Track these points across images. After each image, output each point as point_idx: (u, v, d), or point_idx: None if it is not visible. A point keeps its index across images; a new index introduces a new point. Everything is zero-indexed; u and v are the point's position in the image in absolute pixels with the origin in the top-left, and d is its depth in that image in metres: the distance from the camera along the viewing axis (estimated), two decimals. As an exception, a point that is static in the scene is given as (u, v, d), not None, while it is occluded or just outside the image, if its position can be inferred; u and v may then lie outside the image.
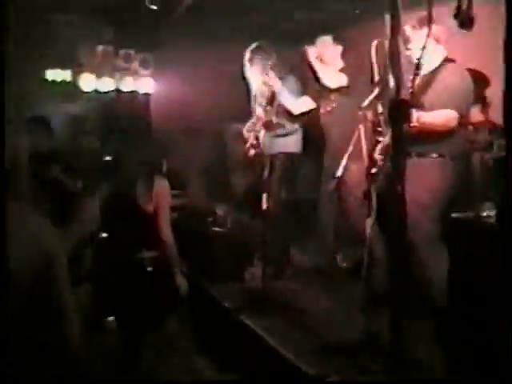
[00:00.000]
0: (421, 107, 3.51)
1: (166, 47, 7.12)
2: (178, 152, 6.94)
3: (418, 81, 3.68)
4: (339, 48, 4.89)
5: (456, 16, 2.34)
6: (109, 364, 3.48)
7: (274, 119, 5.08)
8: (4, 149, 1.85)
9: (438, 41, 3.81)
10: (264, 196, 4.58)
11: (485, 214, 2.34)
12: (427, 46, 3.59)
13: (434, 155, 3.74)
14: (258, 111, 5.34)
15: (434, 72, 3.81)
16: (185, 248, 4.12)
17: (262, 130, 5.21)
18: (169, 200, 3.77)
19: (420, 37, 3.69)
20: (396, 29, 2.51)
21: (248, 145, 5.20)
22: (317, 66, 4.60)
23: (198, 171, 7.34)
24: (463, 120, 3.72)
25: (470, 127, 4.20)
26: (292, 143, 5.26)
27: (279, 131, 5.15)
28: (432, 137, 3.66)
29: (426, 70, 3.79)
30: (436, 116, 3.64)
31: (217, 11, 5.15)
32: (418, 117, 3.49)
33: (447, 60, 3.86)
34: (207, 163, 7.48)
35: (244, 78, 5.33)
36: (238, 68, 5.39)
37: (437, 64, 3.85)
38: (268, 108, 5.19)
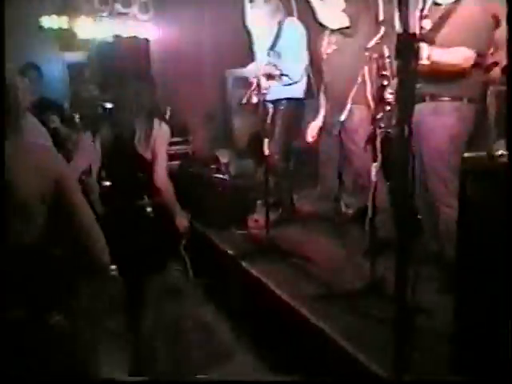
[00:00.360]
0: (431, 43, 3.33)
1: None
2: (179, 98, 6.84)
3: (435, 14, 3.51)
4: None
5: None
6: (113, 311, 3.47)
7: (276, 67, 4.93)
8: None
9: None
10: (265, 142, 4.49)
11: (499, 153, 2.24)
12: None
13: (450, 98, 3.53)
14: (261, 56, 5.20)
15: (455, 3, 3.52)
16: (187, 195, 4.07)
17: (265, 77, 5.08)
18: (166, 145, 3.61)
19: None
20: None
21: (250, 91, 5.07)
22: (316, 4, 4.41)
23: (201, 118, 7.23)
24: (480, 59, 3.48)
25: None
26: (296, 89, 5.13)
27: (283, 81, 5.02)
28: (447, 77, 3.46)
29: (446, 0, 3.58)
30: (451, 54, 3.41)
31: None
32: (430, 54, 3.30)
33: None
34: (210, 109, 7.37)
35: (244, 24, 5.17)
36: (240, 11, 5.23)
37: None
38: (271, 54, 5.04)
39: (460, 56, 3.43)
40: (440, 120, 3.53)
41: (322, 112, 4.75)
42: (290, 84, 5.05)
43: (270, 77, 4.84)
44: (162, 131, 3.58)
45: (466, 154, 2.50)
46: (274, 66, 4.91)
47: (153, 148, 3.52)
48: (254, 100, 4.84)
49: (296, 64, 5.04)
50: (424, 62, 3.25)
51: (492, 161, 2.29)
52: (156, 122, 3.57)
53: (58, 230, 1.90)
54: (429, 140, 3.54)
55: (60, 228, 1.92)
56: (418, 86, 3.33)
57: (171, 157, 6.23)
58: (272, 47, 5.06)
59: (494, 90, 3.40)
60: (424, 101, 3.54)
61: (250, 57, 5.34)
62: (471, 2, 3.45)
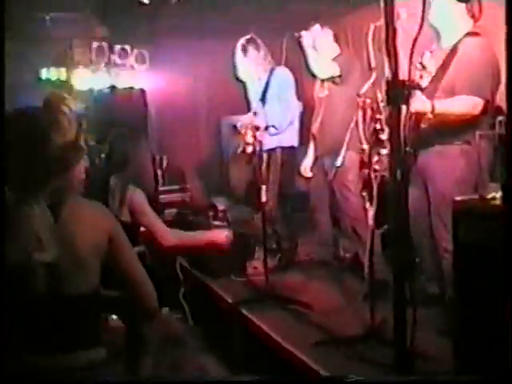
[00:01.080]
0: (434, 91, 3.38)
1: (161, 41, 7.08)
2: (175, 147, 6.93)
3: (435, 61, 3.57)
4: (331, 34, 4.81)
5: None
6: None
7: (267, 117, 5.03)
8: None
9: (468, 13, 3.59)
10: (263, 189, 4.54)
11: (490, 195, 2.28)
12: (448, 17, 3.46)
13: (459, 142, 3.53)
14: (254, 106, 5.31)
15: (454, 48, 3.57)
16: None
17: (253, 129, 5.17)
18: (147, 204, 3.33)
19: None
20: (390, 11, 2.47)
21: (244, 142, 5.17)
22: (309, 53, 4.53)
23: (197, 166, 7.31)
24: (489, 105, 3.45)
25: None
26: (288, 137, 5.24)
27: (272, 131, 5.12)
28: (454, 124, 3.47)
29: (445, 45, 3.62)
30: (456, 103, 3.43)
31: (210, 3, 5.10)
32: (433, 107, 3.32)
33: (470, 34, 3.57)
34: (206, 157, 7.46)
35: (235, 74, 5.29)
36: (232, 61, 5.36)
37: (457, 39, 3.61)
38: (260, 104, 5.14)
39: (466, 104, 3.43)
40: (447, 163, 3.56)
41: (312, 155, 4.83)
42: (278, 134, 5.15)
43: (257, 128, 4.94)
44: (136, 193, 3.36)
45: (457, 198, 2.53)
46: (261, 116, 5.00)
47: (134, 211, 3.31)
48: (249, 150, 4.93)
49: (283, 113, 5.15)
50: (428, 115, 3.30)
51: (484, 203, 2.33)
52: (129, 186, 3.36)
53: (112, 283, 2.05)
54: (435, 183, 3.58)
55: (114, 281, 2.06)
56: (424, 126, 3.42)
57: (168, 204, 6.36)
58: (262, 97, 5.16)
59: (484, 134, 3.43)
60: (433, 145, 3.58)
61: (244, 105, 5.45)
62: (470, 45, 3.50)
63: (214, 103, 7.30)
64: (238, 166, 7.16)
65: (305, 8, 5.76)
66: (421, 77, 3.52)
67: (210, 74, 7.29)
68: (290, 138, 5.25)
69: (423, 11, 2.49)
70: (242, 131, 5.31)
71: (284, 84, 5.16)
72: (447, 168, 3.53)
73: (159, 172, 6.58)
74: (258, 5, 5.96)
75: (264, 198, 4.57)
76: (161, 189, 6.56)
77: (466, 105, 3.43)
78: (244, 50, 5.15)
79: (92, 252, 1.93)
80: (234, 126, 6.29)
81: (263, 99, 5.12)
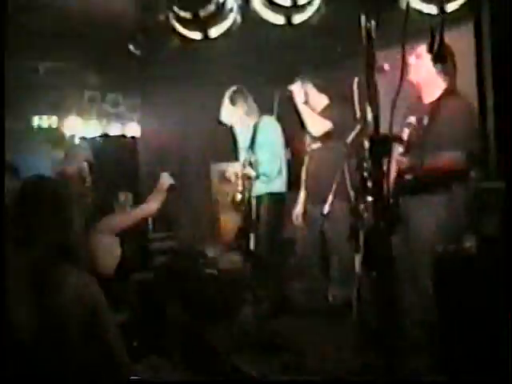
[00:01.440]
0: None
1: (153, 91, 7.22)
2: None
3: (417, 113, 3.72)
4: (317, 87, 4.95)
5: (430, 51, 2.41)
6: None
7: (257, 166, 5.13)
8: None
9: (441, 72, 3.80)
10: (252, 236, 4.60)
11: (467, 245, 2.37)
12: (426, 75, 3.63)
13: (441, 190, 3.67)
14: (241, 153, 5.41)
15: (433, 105, 3.76)
16: (175, 290, 4.11)
17: (243, 178, 5.27)
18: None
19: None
20: (371, 65, 2.58)
21: (234, 190, 5.26)
22: (302, 110, 4.68)
23: (187, 212, 7.36)
24: (472, 158, 3.61)
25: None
26: (276, 184, 5.33)
27: (261, 180, 5.21)
28: (438, 178, 3.62)
29: (426, 100, 3.79)
30: (440, 160, 3.59)
31: (201, 54, 5.25)
32: (423, 163, 3.49)
33: (448, 92, 3.80)
34: (196, 204, 7.52)
35: (220, 122, 5.41)
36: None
37: (435, 97, 3.85)
38: (248, 152, 5.24)
39: (448, 161, 3.59)
40: (429, 211, 3.67)
41: (302, 203, 4.92)
42: (268, 181, 5.25)
43: (247, 177, 5.04)
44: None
45: (437, 248, 2.62)
46: (250, 165, 5.10)
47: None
48: (238, 198, 5.02)
49: (272, 162, 5.25)
50: (418, 172, 3.43)
51: (463, 253, 2.41)
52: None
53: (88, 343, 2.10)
54: (416, 231, 3.68)
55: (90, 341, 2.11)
56: (408, 177, 3.54)
57: (158, 252, 6.40)
58: (250, 146, 5.27)
59: (462, 185, 3.56)
60: (416, 194, 3.70)
61: (233, 152, 5.56)
62: (450, 102, 3.67)
63: (203, 150, 7.41)
64: (228, 212, 7.24)
65: (291, 59, 5.94)
66: (405, 131, 3.65)
67: (199, 121, 7.41)
68: (279, 185, 5.34)
69: (402, 70, 2.60)
70: (232, 179, 5.41)
71: (272, 132, 5.28)
72: (428, 217, 3.64)
73: (149, 219, 6.61)
74: (246, 56, 6.12)
75: (252, 246, 4.63)
76: (151, 236, 6.60)
77: (447, 161, 3.59)
78: (232, 99, 5.28)
79: (73, 323, 2.00)
80: (224, 173, 6.41)
81: (252, 147, 5.22)
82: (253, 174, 5.04)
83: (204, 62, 6.12)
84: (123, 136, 7.51)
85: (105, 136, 7.37)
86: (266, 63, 6.44)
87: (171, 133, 7.34)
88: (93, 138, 7.27)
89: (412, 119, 3.82)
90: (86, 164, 4.48)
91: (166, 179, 4.05)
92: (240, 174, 5.07)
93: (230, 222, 7.19)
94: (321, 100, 4.93)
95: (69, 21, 5.23)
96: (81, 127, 7.20)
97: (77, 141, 7.07)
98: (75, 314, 2.02)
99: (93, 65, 6.92)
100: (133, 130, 7.56)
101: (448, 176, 3.60)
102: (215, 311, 5.25)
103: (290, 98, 4.79)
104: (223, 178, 7.02)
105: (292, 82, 4.86)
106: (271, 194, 5.29)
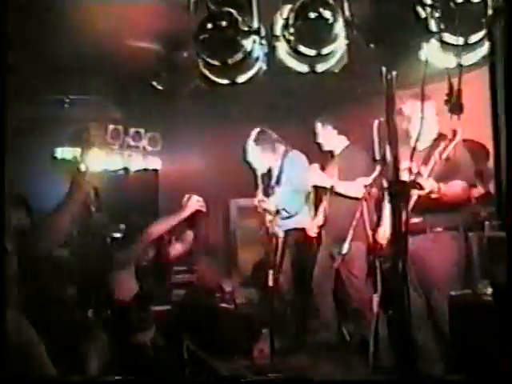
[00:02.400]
0: (418, 187, 3.66)
1: (174, 124, 7.42)
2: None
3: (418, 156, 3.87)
4: (336, 130, 5.11)
5: (447, 102, 2.55)
6: None
7: (279, 201, 5.26)
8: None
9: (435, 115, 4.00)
10: (270, 273, 4.70)
11: (482, 291, 2.47)
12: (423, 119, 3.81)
13: (448, 228, 3.87)
14: (261, 189, 5.54)
15: (432, 146, 3.96)
16: (192, 324, 4.20)
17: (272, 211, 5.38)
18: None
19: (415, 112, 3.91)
20: (391, 108, 2.73)
21: (260, 224, 5.37)
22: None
23: (206, 247, 7.47)
24: (471, 191, 3.89)
25: (474, 200, 4.35)
26: (303, 219, 5.41)
27: (284, 214, 5.32)
28: (444, 208, 3.80)
29: (423, 145, 3.97)
30: (452, 187, 3.78)
31: (227, 94, 5.45)
32: (439, 187, 3.66)
33: (441, 135, 4.02)
34: (214, 238, 7.63)
35: (246, 158, 5.55)
36: (242, 144, 5.64)
37: (432, 138, 4.05)
38: (274, 189, 5.38)
39: (458, 188, 3.80)
40: (437, 250, 3.79)
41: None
42: (290, 217, 5.33)
43: (272, 212, 5.16)
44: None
45: (452, 292, 2.73)
46: (273, 200, 5.24)
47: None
48: (262, 233, 5.14)
49: (296, 197, 5.33)
50: (434, 195, 3.58)
51: (478, 299, 2.51)
52: None
53: None
54: (426, 269, 3.79)
55: None
56: (417, 219, 3.68)
57: (176, 285, 6.47)
58: (276, 180, 5.40)
59: (476, 233, 3.70)
60: (425, 232, 3.83)
61: (253, 188, 5.68)
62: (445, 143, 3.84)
63: (223, 185, 7.56)
64: (246, 247, 7.35)
65: (316, 96, 6.12)
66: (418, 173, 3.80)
67: (220, 157, 7.60)
68: (303, 220, 5.42)
69: (422, 116, 2.74)
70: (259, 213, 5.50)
71: (297, 168, 5.37)
72: (438, 255, 3.77)
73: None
74: (271, 98, 6.30)
75: (271, 283, 4.72)
76: (174, 269, 6.67)
77: (458, 188, 3.82)
78: (256, 140, 5.42)
79: None
80: (243, 208, 6.54)
81: (278, 182, 5.35)
82: (272, 208, 5.16)
83: (229, 101, 6.32)
84: (145, 170, 7.67)
85: (126, 169, 7.52)
86: (289, 101, 6.61)
87: (192, 166, 7.55)
88: (114, 171, 7.43)
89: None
90: (92, 192, 4.59)
91: (193, 202, 4.08)
92: (263, 209, 5.20)
93: (248, 256, 7.29)
94: (340, 141, 5.09)
95: (94, 54, 5.44)
96: (103, 160, 7.33)
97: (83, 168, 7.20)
98: None
99: (116, 98, 7.14)
100: (154, 163, 7.72)
101: (452, 208, 3.75)
102: (231, 346, 5.33)
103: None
104: (244, 212, 7.18)
105: (313, 123, 5.04)
106: (296, 230, 5.36)
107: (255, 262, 6.80)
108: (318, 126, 5.05)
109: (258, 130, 5.46)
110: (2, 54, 2.83)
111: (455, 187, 3.80)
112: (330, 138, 5.06)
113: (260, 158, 5.46)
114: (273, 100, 6.49)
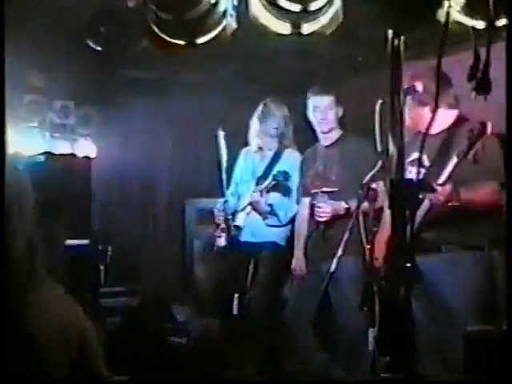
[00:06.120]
0: (431, 188, 3.68)
1: (114, 100, 7.38)
2: (124, 234, 7.08)
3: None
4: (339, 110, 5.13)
5: (470, 78, 2.55)
6: None
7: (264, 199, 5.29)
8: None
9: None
10: (236, 297, 4.70)
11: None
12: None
13: (470, 247, 3.87)
14: (242, 188, 5.60)
15: (449, 132, 4.00)
16: (133, 363, 4.17)
17: (242, 212, 5.37)
18: None
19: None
20: (397, 84, 2.73)
21: (218, 231, 5.34)
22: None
23: (152, 261, 7.43)
24: (501, 199, 3.78)
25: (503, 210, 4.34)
26: (282, 232, 5.48)
27: (270, 221, 5.36)
28: (465, 219, 3.82)
29: (436, 128, 3.99)
30: (476, 193, 3.78)
31: (179, 57, 5.40)
32: (458, 192, 3.67)
33: (461, 119, 4.05)
34: (164, 251, 7.60)
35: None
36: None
37: (448, 124, 4.07)
38: (260, 184, 5.41)
39: (485, 192, 3.80)
40: (456, 275, 3.83)
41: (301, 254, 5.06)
42: (277, 226, 5.39)
43: (255, 209, 5.14)
44: None
45: (470, 328, 2.76)
46: (259, 201, 5.28)
47: None
48: (222, 243, 5.12)
49: (291, 203, 5.39)
50: (454, 203, 3.58)
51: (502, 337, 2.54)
52: None
53: None
54: (437, 298, 3.83)
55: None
56: (430, 234, 3.70)
57: (111, 311, 6.43)
58: (265, 175, 5.45)
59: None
60: (440, 251, 3.85)
61: (218, 188, 5.67)
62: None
63: (178, 180, 7.54)
64: (206, 263, 7.31)
65: (301, 66, 6.15)
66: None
67: (175, 143, 7.56)
68: (283, 234, 5.48)
69: (437, 91, 2.74)
70: (217, 216, 5.47)
71: (293, 168, 5.44)
72: (457, 281, 3.80)
73: (101, 267, 6.66)
74: (242, 65, 6.29)
75: (236, 310, 4.71)
76: (103, 290, 6.62)
77: (484, 192, 3.80)
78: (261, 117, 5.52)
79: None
80: (202, 211, 6.51)
81: (268, 178, 5.36)
82: (265, 208, 5.17)
83: (187, 69, 6.27)
84: (73, 155, 7.58)
85: (49, 154, 7.42)
86: (265, 76, 6.61)
87: (137, 155, 7.45)
88: (32, 156, 7.34)
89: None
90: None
91: None
92: (247, 201, 5.19)
93: (208, 275, 7.27)
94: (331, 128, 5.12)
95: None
96: (19, 142, 7.26)
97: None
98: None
99: (38, 61, 7.06)
100: (86, 148, 7.62)
101: (477, 221, 3.77)
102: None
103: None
104: (203, 216, 7.15)
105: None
106: (275, 244, 5.43)
107: (216, 282, 6.78)
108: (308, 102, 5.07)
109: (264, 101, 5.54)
110: None
111: (480, 193, 3.79)
112: (319, 123, 5.09)
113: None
114: (244, 69, 6.48)
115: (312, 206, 4.99)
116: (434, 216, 3.72)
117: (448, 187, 3.63)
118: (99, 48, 5.72)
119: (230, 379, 3.80)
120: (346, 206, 4.70)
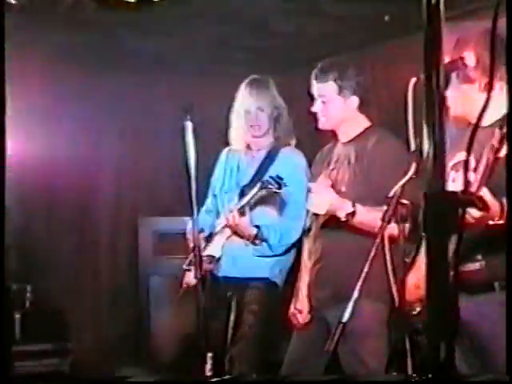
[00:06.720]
0: (484, 205, 3.70)
1: (39, 73, 7.37)
2: (51, 270, 7.10)
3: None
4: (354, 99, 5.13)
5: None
6: None
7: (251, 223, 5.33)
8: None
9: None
10: (209, 356, 4.73)
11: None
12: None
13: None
14: (222, 201, 5.64)
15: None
16: None
17: (219, 236, 5.40)
18: None
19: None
20: (437, 57, 2.72)
21: (186, 263, 5.36)
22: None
23: (90, 308, 7.47)
24: None
25: None
26: (274, 265, 5.52)
27: (259, 248, 5.42)
28: None
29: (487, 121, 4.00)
30: None
31: (125, 16, 5.43)
32: (503, 204, 3.67)
33: None
34: (110, 288, 7.64)
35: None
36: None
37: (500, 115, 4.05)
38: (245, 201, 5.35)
39: None
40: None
41: (303, 296, 5.09)
42: (268, 256, 5.45)
43: (236, 233, 5.18)
44: None
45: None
46: (241, 220, 5.29)
47: None
48: (191, 280, 5.15)
49: (288, 222, 5.44)
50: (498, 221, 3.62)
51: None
52: None
53: None
54: (488, 350, 3.89)
55: None
56: (479, 264, 3.75)
57: (31, 380, 6.44)
58: (253, 184, 5.39)
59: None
60: (493, 289, 3.90)
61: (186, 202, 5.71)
62: None
63: (130, 192, 7.58)
64: (168, 311, 7.35)
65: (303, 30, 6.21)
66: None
67: (124, 136, 7.59)
68: (272, 267, 5.51)
69: (492, 68, 2.76)
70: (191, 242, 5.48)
71: (293, 181, 5.39)
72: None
73: (16, 316, 6.66)
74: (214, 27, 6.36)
75: (209, 372, 4.74)
76: (17, 349, 6.61)
77: None
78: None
79: None
80: (163, 235, 6.55)
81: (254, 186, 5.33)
82: (252, 231, 5.19)
83: (135, 32, 6.32)
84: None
85: None
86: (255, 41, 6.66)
87: (69, 155, 7.48)
88: None
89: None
90: None
91: None
92: (225, 222, 5.24)
93: (169, 323, 7.31)
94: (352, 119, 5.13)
95: None
96: None
97: None
98: None
99: None
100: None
101: None
102: None
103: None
104: (164, 240, 7.19)
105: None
106: (264, 280, 5.47)
107: (182, 336, 6.82)
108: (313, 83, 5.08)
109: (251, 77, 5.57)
110: None
111: None
112: (327, 110, 5.10)
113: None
114: (223, 33, 6.54)
115: None
116: (480, 241, 3.75)
117: (495, 202, 3.65)
118: (17, 2, 5.78)
119: (230, 379, 3.88)
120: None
